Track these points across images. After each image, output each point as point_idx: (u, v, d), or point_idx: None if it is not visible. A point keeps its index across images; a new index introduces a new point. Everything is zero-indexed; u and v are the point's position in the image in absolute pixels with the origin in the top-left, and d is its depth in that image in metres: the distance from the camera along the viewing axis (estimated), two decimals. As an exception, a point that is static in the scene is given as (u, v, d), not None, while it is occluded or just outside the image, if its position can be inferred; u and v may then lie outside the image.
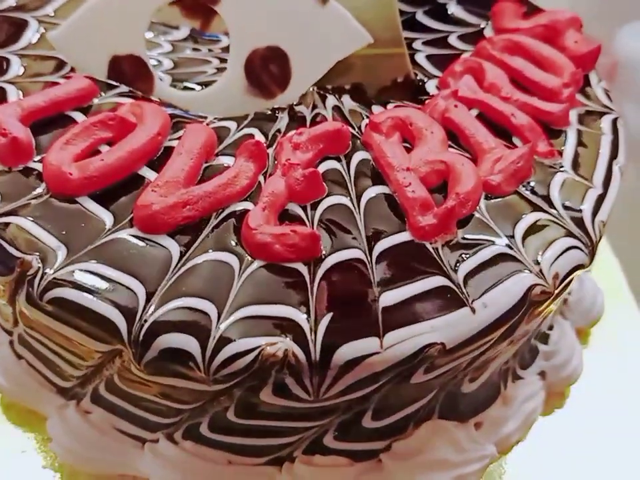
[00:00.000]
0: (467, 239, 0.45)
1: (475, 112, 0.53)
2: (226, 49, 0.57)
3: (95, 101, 0.52)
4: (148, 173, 0.47)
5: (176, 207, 0.44)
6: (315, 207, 0.46)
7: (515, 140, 0.51)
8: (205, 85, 0.54)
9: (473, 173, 0.47)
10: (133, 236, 0.44)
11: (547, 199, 0.48)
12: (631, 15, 1.12)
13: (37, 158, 0.48)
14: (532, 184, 0.49)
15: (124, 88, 0.53)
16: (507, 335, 0.45)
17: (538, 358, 0.56)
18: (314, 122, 0.53)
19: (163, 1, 0.52)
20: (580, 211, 0.48)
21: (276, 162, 0.48)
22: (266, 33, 0.51)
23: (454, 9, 0.64)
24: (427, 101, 0.54)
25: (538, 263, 0.45)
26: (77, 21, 0.53)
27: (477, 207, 0.46)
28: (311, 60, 0.52)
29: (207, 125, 0.51)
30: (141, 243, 0.44)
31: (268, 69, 0.52)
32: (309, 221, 0.45)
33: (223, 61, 0.57)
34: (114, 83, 0.53)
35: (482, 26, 0.62)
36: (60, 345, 0.48)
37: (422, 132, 0.50)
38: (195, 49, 0.59)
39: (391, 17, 0.54)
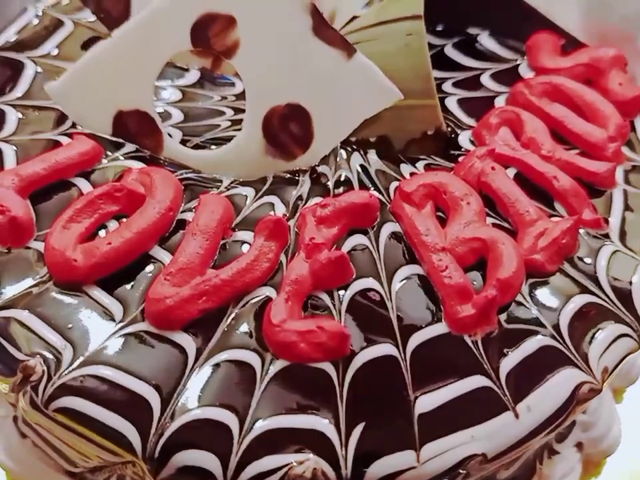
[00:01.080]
0: (508, 329, 0.42)
1: (513, 171, 0.49)
2: (241, 96, 0.52)
3: (103, 161, 0.48)
4: (159, 253, 0.43)
5: (191, 299, 0.40)
6: (342, 291, 0.42)
7: (557, 205, 0.47)
8: (219, 140, 0.50)
9: (515, 253, 0.43)
10: (145, 332, 0.40)
11: (593, 277, 0.44)
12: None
13: (39, 233, 0.44)
14: (577, 260, 0.45)
15: (130, 147, 0.49)
16: (550, 432, 0.42)
17: (575, 428, 0.53)
18: (338, 184, 0.48)
19: (173, 53, 0.47)
20: (629, 292, 0.44)
21: (298, 236, 0.44)
22: (285, 89, 0.47)
23: (486, 41, 0.59)
24: (460, 159, 0.49)
25: (586, 356, 0.41)
26: (78, 72, 0.48)
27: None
28: (336, 118, 0.47)
29: (222, 193, 0.47)
30: (153, 341, 0.40)
31: (288, 128, 0.47)
32: (335, 310, 0.41)
33: (238, 111, 0.52)
34: (120, 141, 0.49)
35: (517, 62, 0.58)
36: (66, 442, 0.44)
37: (457, 202, 0.45)
38: (206, 96, 0.54)
39: (423, 66, 0.49)
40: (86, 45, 0.57)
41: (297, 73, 0.46)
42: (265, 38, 0.46)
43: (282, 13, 0.45)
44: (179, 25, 0.46)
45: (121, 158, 0.48)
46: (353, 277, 0.43)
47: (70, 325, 0.40)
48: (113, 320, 0.41)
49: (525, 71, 0.57)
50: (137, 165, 0.48)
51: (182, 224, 0.44)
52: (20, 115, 0.51)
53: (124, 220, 0.44)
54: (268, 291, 0.42)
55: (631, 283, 0.44)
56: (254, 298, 0.42)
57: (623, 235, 0.47)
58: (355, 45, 0.48)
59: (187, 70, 0.56)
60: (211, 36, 0.46)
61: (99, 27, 0.57)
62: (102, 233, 0.44)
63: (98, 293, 0.42)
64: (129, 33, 0.47)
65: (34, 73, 0.54)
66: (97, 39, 0.56)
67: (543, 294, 0.43)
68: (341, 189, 0.48)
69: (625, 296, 0.44)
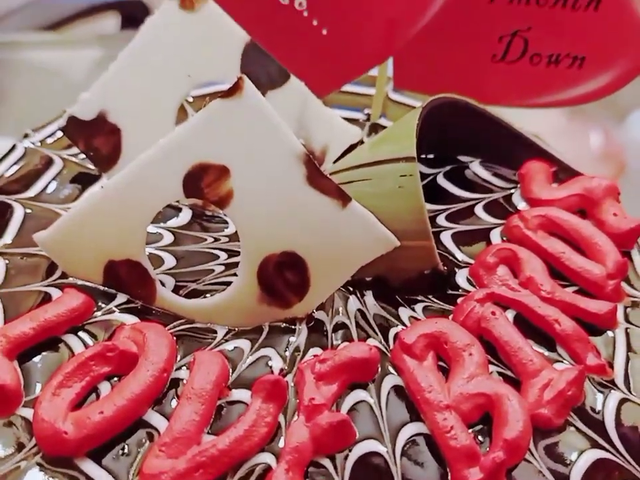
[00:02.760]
0: (517, 492, 0.40)
1: (512, 312, 0.48)
2: (234, 237, 0.52)
3: (95, 314, 0.47)
4: (154, 418, 0.42)
5: (187, 473, 0.38)
6: (344, 454, 0.41)
7: (559, 347, 0.47)
8: (213, 286, 0.49)
9: (522, 410, 0.41)
10: (140, 513, 0.38)
11: (601, 429, 0.43)
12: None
13: (26, 399, 0.42)
14: (584, 410, 0.44)
15: (122, 298, 0.48)
16: None
17: None
18: (335, 329, 0.47)
19: (165, 204, 0.46)
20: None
21: (296, 392, 0.43)
22: (280, 238, 0.46)
23: (477, 169, 0.59)
24: (459, 300, 0.49)
25: (599, 518, 0.40)
26: (68, 222, 0.47)
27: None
28: (332, 266, 0.47)
29: (217, 346, 0.46)
30: (149, 523, 0.38)
31: (283, 276, 0.46)
32: (339, 477, 0.40)
33: (232, 254, 0.51)
34: (111, 292, 0.48)
35: (510, 191, 0.58)
36: None
37: (459, 353, 0.44)
38: (199, 238, 0.53)
39: (418, 208, 0.49)
40: (75, 181, 0.57)
41: (292, 222, 0.46)
42: (258, 187, 0.45)
43: (275, 162, 0.45)
44: (170, 176, 0.46)
45: (114, 309, 0.47)
46: (356, 438, 0.41)
47: (60, 505, 0.39)
48: (106, 497, 0.39)
49: (518, 201, 0.57)
50: (129, 319, 0.46)
51: (176, 382, 0.43)
52: (9, 263, 0.50)
53: (115, 379, 0.43)
54: (268, 458, 0.40)
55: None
56: (253, 467, 0.40)
57: (627, 381, 0.46)
58: (348, 184, 0.49)
59: (179, 209, 0.55)
60: (204, 186, 0.46)
61: (88, 163, 0.57)
62: (93, 396, 0.42)
63: (89, 466, 0.40)
64: (119, 184, 0.46)
65: (23, 216, 0.53)
66: (86, 176, 0.56)
67: (550, 450, 0.42)
68: (339, 337, 0.47)
69: (635, 449, 0.43)
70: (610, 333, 0.48)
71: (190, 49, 0.55)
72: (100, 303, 0.47)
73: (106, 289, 0.48)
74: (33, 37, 1.13)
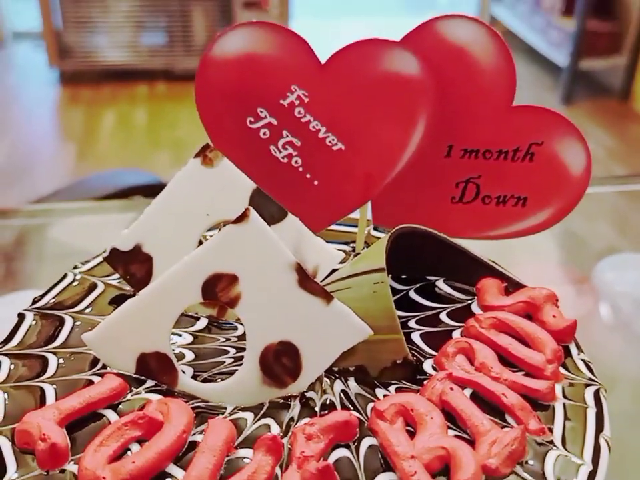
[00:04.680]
0: (472, 527, 0.49)
1: (469, 391, 0.58)
2: (242, 337, 0.64)
3: (128, 395, 0.58)
4: (174, 470, 0.52)
5: (201, 508, 0.48)
6: (328, 498, 0.50)
7: (508, 417, 0.57)
8: (224, 374, 0.60)
9: (473, 458, 0.51)
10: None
11: (542, 477, 0.52)
12: (607, 251, 1.23)
13: (73, 457, 0.52)
14: (527, 463, 0.53)
15: (151, 382, 0.59)
16: None
17: None
18: (324, 406, 0.58)
19: (187, 305, 0.59)
20: (575, 491, 0.52)
21: (290, 451, 0.53)
22: (278, 330, 0.58)
23: (442, 286, 0.72)
24: (425, 382, 0.59)
25: None
26: (109, 324, 0.59)
27: (479, 493, 0.50)
28: (319, 352, 0.58)
29: (227, 417, 0.56)
30: None
31: (281, 362, 0.58)
32: (324, 514, 0.49)
33: (239, 349, 0.63)
34: (142, 378, 0.59)
35: (469, 302, 0.70)
36: None
37: (423, 417, 0.55)
38: (213, 339, 0.66)
39: (388, 308, 0.61)
40: (113, 301, 0.70)
41: (287, 317, 0.58)
42: (260, 291, 0.58)
43: (273, 271, 0.58)
44: (192, 284, 0.58)
45: (143, 392, 0.58)
46: (338, 484, 0.51)
47: (98, 536, 0.48)
48: (135, 530, 0.48)
49: (476, 309, 0.69)
50: (156, 397, 0.57)
51: (193, 445, 0.53)
52: (61, 361, 0.61)
53: (145, 443, 0.53)
54: (266, 500, 0.50)
55: (575, 481, 0.52)
56: (254, 506, 0.49)
57: (564, 441, 0.55)
58: (333, 293, 0.61)
59: (197, 318, 0.68)
60: (218, 291, 0.58)
61: (125, 286, 0.70)
62: (126, 454, 0.52)
63: (123, 508, 0.49)
64: (150, 291, 0.59)
65: (72, 325, 0.66)
66: (123, 296, 0.69)
67: (499, 494, 0.51)
68: (326, 411, 0.57)
69: (571, 495, 0.52)
70: (551, 407, 0.58)
71: (208, 195, 0.69)
72: (133, 386, 0.58)
73: (137, 376, 0.59)
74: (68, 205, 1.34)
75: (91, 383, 0.59)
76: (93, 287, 0.71)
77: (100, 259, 0.73)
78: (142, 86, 4.00)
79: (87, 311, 0.68)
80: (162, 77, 4.04)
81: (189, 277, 0.59)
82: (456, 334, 0.66)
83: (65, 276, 0.72)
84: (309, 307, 0.58)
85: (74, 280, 0.72)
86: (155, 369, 0.59)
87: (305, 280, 0.58)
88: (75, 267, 0.73)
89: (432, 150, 0.75)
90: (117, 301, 0.69)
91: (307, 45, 0.74)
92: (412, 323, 0.67)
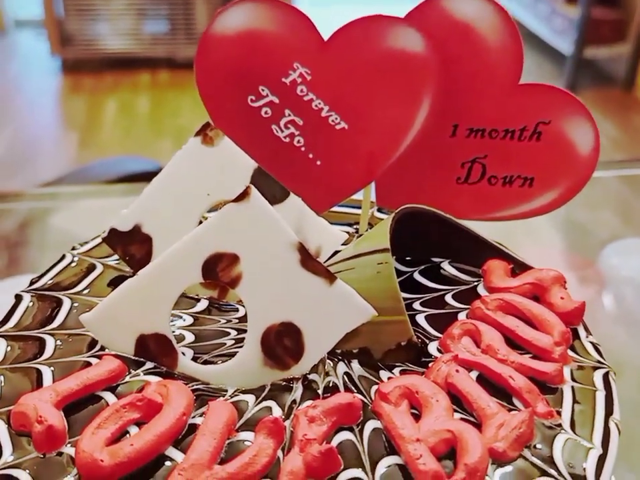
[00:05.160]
0: (479, 512, 0.48)
1: (475, 373, 0.57)
2: (243, 319, 0.62)
3: (127, 377, 0.56)
4: (174, 453, 0.50)
5: (201, 491, 0.47)
6: (331, 480, 0.49)
7: (515, 400, 0.55)
8: (225, 356, 0.59)
9: (479, 442, 0.50)
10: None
11: (551, 461, 0.51)
12: (610, 239, 1.22)
13: (70, 440, 0.51)
14: (535, 447, 0.52)
15: (150, 364, 0.58)
16: None
17: None
18: (327, 389, 0.57)
19: (187, 285, 0.58)
20: (584, 477, 0.50)
21: (292, 434, 0.51)
22: (280, 311, 0.57)
23: (447, 268, 0.71)
24: (430, 365, 0.58)
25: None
26: (108, 305, 0.58)
27: (486, 476, 0.49)
28: (322, 333, 0.57)
29: (228, 400, 0.55)
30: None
31: (282, 343, 0.57)
32: (327, 498, 0.48)
33: (240, 331, 0.62)
34: (141, 360, 0.58)
35: (475, 284, 0.68)
36: None
37: (428, 400, 0.53)
38: (214, 320, 0.64)
39: (393, 289, 0.59)
40: (112, 283, 0.68)
41: (289, 297, 0.57)
42: (262, 271, 0.57)
43: (275, 250, 0.56)
44: (192, 263, 0.57)
45: (142, 374, 0.57)
46: (341, 467, 0.50)
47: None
48: (134, 514, 0.47)
49: (482, 291, 0.67)
50: (155, 379, 0.56)
51: (193, 428, 0.52)
52: (58, 342, 0.60)
53: (144, 425, 0.52)
54: (268, 482, 0.49)
55: (584, 465, 0.51)
56: (255, 489, 0.48)
57: (573, 424, 0.54)
58: (336, 273, 0.59)
59: (197, 300, 0.67)
60: (218, 271, 0.57)
61: (124, 267, 0.69)
62: (124, 437, 0.51)
63: (121, 491, 0.48)
64: (150, 270, 0.58)
65: (69, 306, 0.64)
66: (122, 278, 0.68)
67: (507, 478, 0.50)
68: (329, 393, 0.56)
69: (580, 478, 0.50)
70: (559, 390, 0.57)
71: (209, 174, 0.68)
72: (131, 368, 0.57)
73: (136, 358, 0.58)
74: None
75: (89, 364, 0.57)
76: (92, 268, 0.70)
77: (99, 240, 0.72)
78: (144, 74, 3.98)
79: (85, 292, 0.67)
80: (164, 65, 4.02)
81: (188, 256, 0.57)
82: (461, 316, 0.64)
83: (63, 257, 0.71)
84: (312, 287, 0.57)
85: (72, 261, 0.70)
86: (154, 350, 0.58)
87: (308, 259, 0.57)
88: (74, 248, 0.72)
89: (437, 129, 0.73)
90: (116, 282, 0.67)
91: (309, 21, 0.72)
92: (417, 305, 0.66)
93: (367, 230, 0.77)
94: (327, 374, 0.58)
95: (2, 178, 2.84)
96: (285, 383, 0.57)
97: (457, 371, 0.56)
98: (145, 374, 0.57)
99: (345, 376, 0.58)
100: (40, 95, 3.82)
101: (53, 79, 3.97)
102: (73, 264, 0.70)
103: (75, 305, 0.65)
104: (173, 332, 0.59)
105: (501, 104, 0.72)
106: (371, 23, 0.71)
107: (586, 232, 1.32)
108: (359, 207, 0.78)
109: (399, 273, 0.69)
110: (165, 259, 0.58)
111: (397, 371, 0.59)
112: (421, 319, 0.64)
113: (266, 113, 0.74)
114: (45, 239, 1.19)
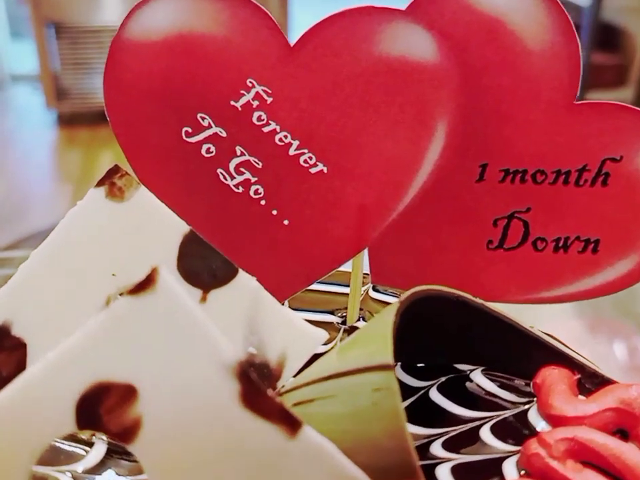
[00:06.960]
0: None
1: None
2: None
3: None
4: None
5: None
6: None
7: None
8: None
9: None
10: None
11: None
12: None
13: None
14: None
15: None
16: None
17: None
18: None
19: (50, 440, 0.34)
20: None
21: None
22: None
23: (479, 380, 0.47)
24: None
25: None
26: None
27: None
28: (278, 522, 0.33)
29: None
30: None
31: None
32: None
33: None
34: None
35: (524, 407, 0.45)
36: None
37: None
38: (110, 483, 0.41)
39: (399, 433, 0.36)
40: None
41: (222, 460, 0.33)
42: (176, 413, 0.33)
43: (199, 378, 0.33)
44: (59, 402, 0.34)
45: None
46: None
47: None
48: None
49: (536, 420, 0.44)
50: None
51: None
52: None
53: None
54: None
55: None
56: None
57: None
58: (308, 403, 0.37)
59: (89, 444, 0.42)
60: (103, 413, 0.34)
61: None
62: None
63: None
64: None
65: None
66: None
67: None
68: None
69: None
70: None
71: (117, 243, 0.46)
72: None
73: None
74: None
75: None
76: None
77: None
78: (140, 127, 3.93)
79: None
80: (160, 118, 3.97)
81: (53, 389, 0.34)
82: (509, 466, 0.41)
83: None
84: (260, 440, 0.33)
85: None
86: None
87: (253, 393, 0.33)
88: None
89: (457, 171, 0.51)
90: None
91: (270, 19, 0.50)
92: (436, 448, 0.42)
93: (358, 320, 0.54)
94: None
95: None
96: None
97: None
98: None
99: None
100: (35, 148, 3.81)
101: (48, 132, 3.95)
102: None
103: None
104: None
105: (549, 133, 0.50)
106: (357, 18, 0.49)
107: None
108: (347, 285, 0.55)
109: (407, 390, 0.45)
110: (19, 393, 0.34)
111: None
112: (444, 472, 0.40)
113: (208, 151, 0.51)
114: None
